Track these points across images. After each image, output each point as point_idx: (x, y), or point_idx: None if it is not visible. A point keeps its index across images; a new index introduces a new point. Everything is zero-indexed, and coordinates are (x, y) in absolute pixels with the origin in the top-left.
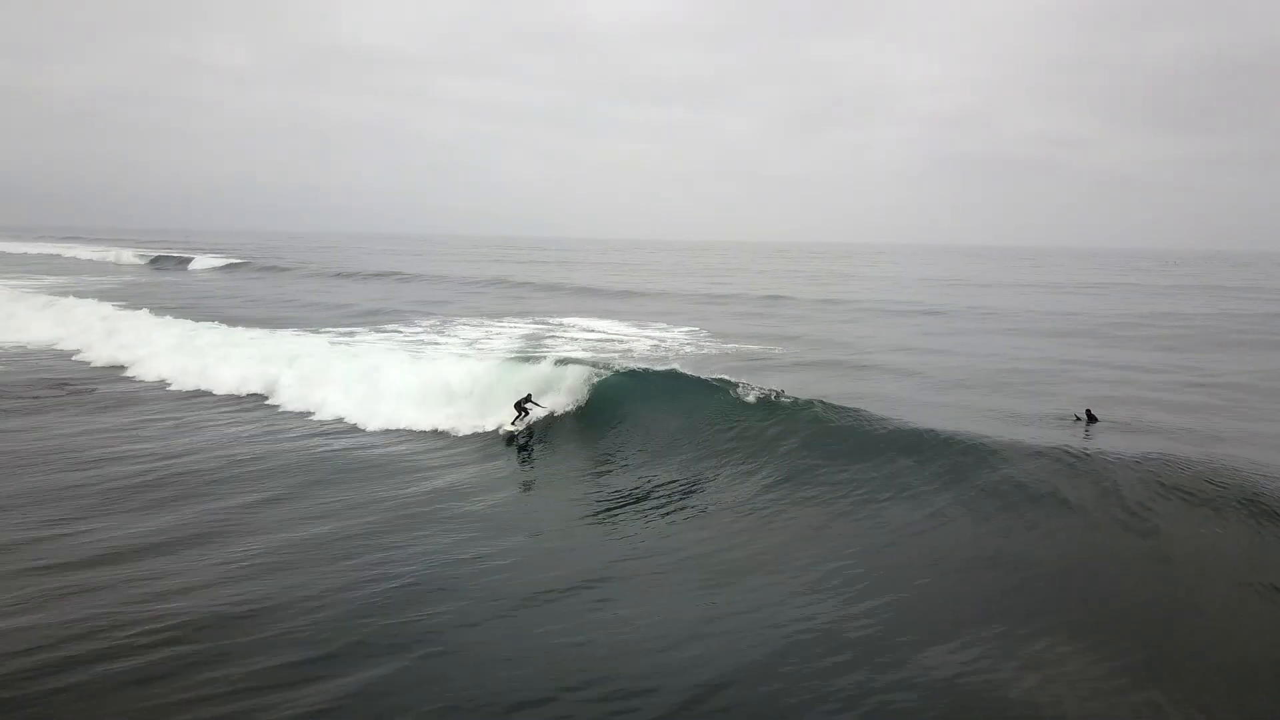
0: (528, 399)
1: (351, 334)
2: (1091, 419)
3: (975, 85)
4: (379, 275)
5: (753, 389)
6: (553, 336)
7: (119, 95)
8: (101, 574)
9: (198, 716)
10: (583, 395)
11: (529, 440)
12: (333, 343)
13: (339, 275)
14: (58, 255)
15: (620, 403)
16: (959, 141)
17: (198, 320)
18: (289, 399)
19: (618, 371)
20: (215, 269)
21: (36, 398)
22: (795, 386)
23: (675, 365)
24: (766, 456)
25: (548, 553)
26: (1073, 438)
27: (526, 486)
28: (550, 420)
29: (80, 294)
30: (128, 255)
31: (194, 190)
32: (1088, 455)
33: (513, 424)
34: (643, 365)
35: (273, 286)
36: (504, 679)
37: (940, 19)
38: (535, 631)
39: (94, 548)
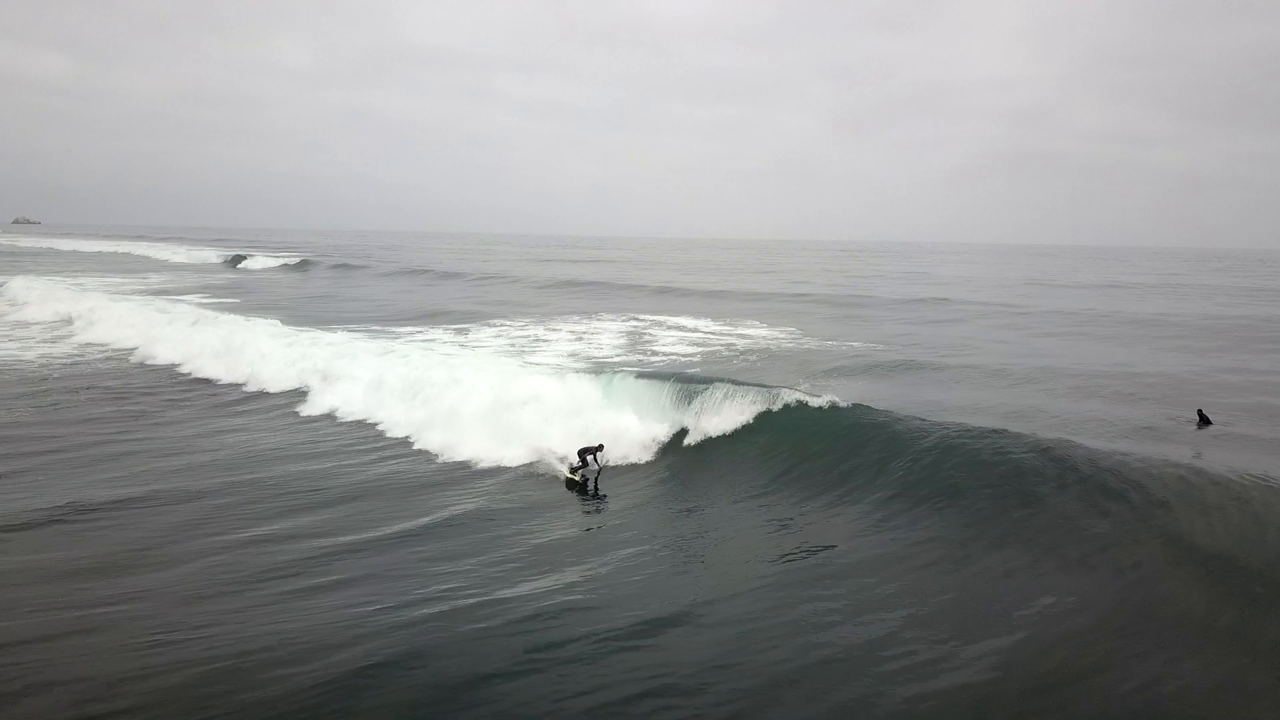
0: (599, 449)
1: (465, 329)
2: (1204, 421)
3: (1041, 82)
4: (458, 275)
5: (881, 411)
6: (651, 334)
7: (186, 97)
8: (397, 554)
9: (577, 657)
10: (738, 419)
11: (596, 490)
12: (458, 340)
13: (443, 274)
14: (162, 258)
15: (772, 428)
16: (1024, 139)
17: (329, 326)
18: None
19: (803, 403)
20: (327, 267)
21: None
22: (920, 395)
23: (830, 396)
24: (924, 476)
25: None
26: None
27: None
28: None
29: (217, 293)
30: (212, 254)
31: (257, 189)
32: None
33: (572, 471)
34: (813, 398)
35: (386, 286)
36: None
37: (1005, 13)
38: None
39: (376, 529)
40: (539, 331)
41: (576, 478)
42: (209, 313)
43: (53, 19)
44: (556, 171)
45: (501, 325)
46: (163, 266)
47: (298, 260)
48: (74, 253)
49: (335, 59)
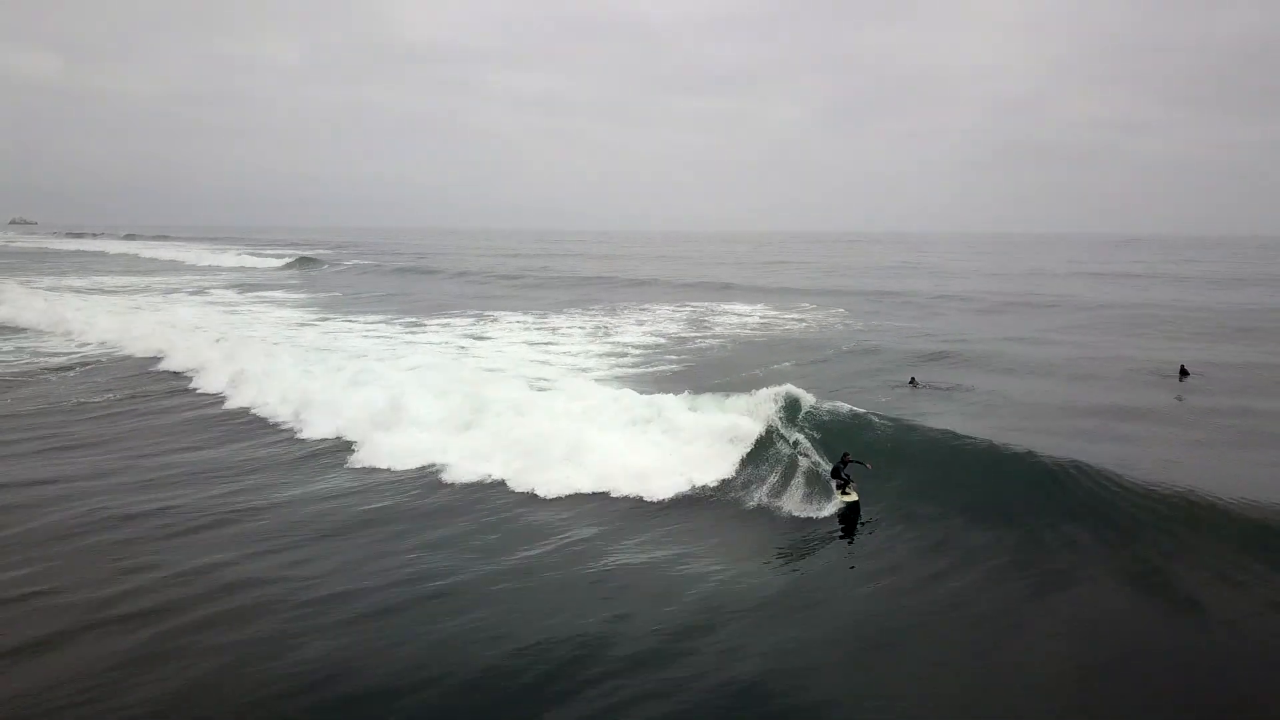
0: (844, 461)
1: (544, 315)
2: (1184, 374)
3: (1031, 71)
4: (490, 271)
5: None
6: (710, 319)
7: (177, 95)
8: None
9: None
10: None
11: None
12: (546, 324)
13: (481, 271)
14: (210, 261)
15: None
16: (1015, 128)
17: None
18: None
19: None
20: (359, 269)
21: None
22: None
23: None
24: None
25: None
26: None
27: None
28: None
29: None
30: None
31: (250, 187)
32: None
33: (843, 494)
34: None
35: (466, 288)
36: None
37: (995, 2)
38: None
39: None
40: (609, 319)
41: (851, 497)
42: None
43: (42, 17)
44: (550, 165)
45: (572, 314)
46: (217, 268)
47: (296, 257)
48: (116, 255)
49: (325, 56)
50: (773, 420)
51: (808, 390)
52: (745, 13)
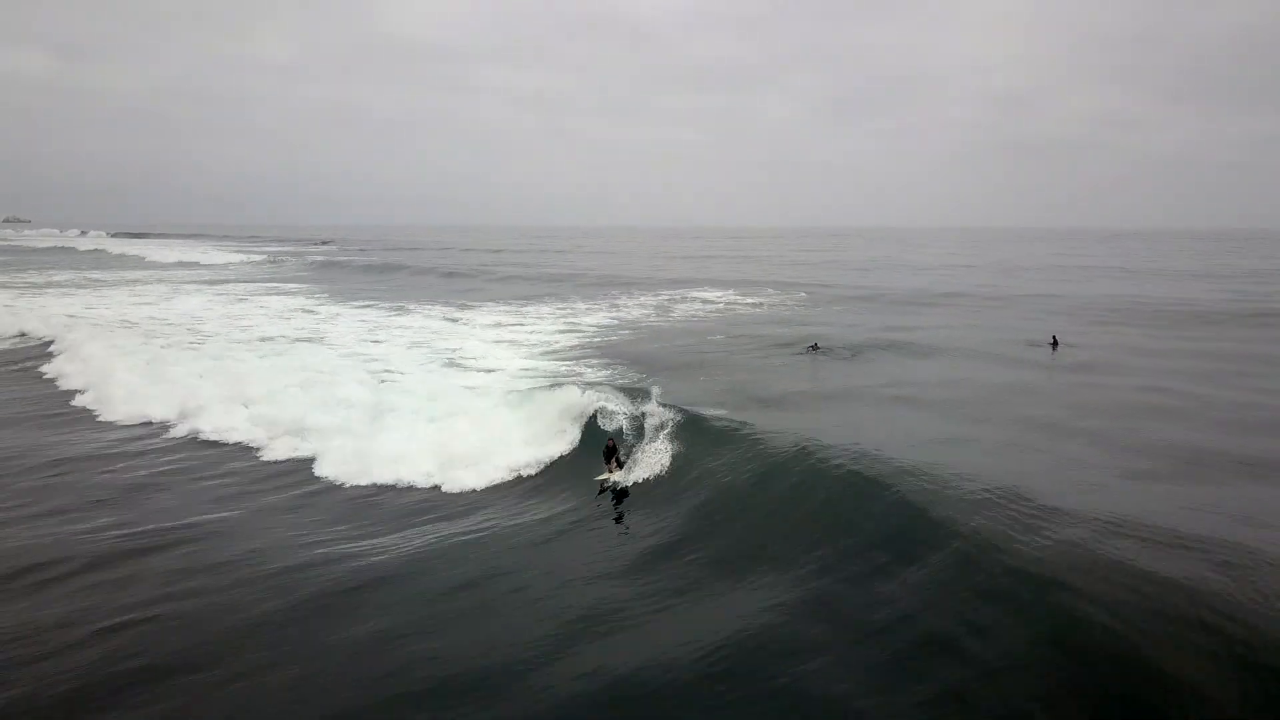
0: (611, 445)
1: (533, 301)
2: (1055, 344)
3: (1025, 66)
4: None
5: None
6: (676, 305)
7: (168, 93)
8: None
9: None
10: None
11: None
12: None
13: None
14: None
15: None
16: (1009, 123)
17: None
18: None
19: None
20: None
21: None
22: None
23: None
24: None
25: None
26: None
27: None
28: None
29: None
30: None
31: (242, 186)
32: None
33: (609, 473)
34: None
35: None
36: None
37: None
38: None
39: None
40: (589, 305)
41: (616, 477)
42: None
43: (31, 15)
44: (545, 162)
45: (549, 302)
46: (198, 265)
47: (283, 252)
48: (85, 252)
49: (317, 53)
50: (581, 407)
51: (721, 358)
52: (739, 9)
